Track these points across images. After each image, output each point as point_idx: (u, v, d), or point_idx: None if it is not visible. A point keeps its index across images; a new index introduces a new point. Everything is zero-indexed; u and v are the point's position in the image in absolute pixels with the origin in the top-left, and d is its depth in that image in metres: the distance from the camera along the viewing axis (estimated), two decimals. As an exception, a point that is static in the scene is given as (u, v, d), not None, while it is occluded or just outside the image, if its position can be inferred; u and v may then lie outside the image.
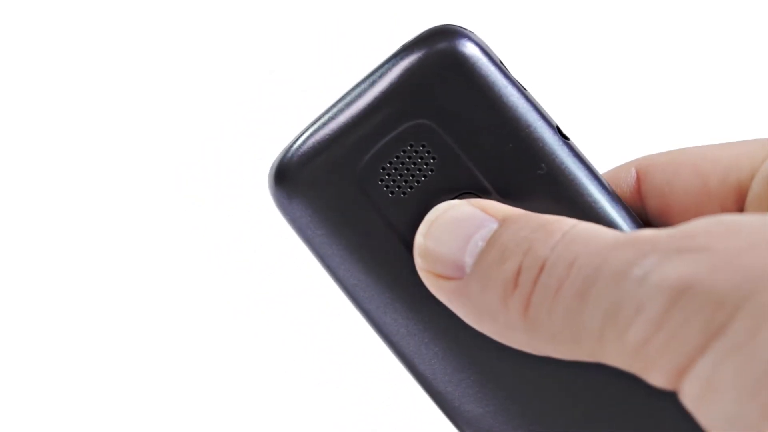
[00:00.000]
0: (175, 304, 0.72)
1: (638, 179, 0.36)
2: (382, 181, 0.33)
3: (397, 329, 0.33)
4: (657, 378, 0.27)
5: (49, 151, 0.74)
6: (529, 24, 0.75)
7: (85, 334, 0.71)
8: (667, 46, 0.75)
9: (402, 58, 0.32)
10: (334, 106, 0.33)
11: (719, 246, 0.26)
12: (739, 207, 0.34)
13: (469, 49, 0.32)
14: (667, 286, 0.26)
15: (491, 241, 0.30)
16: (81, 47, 0.75)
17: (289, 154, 0.33)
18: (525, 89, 0.33)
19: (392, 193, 0.33)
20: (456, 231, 0.31)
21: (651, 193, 0.35)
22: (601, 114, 0.74)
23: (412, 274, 0.32)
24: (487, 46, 0.33)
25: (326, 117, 0.33)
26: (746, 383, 0.25)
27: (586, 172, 0.33)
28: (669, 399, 0.27)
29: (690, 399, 0.26)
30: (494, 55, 0.33)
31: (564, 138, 0.33)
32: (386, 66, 0.32)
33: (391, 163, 0.33)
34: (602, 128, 0.73)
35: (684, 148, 0.36)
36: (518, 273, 0.29)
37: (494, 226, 0.31)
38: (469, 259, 0.30)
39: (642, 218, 0.35)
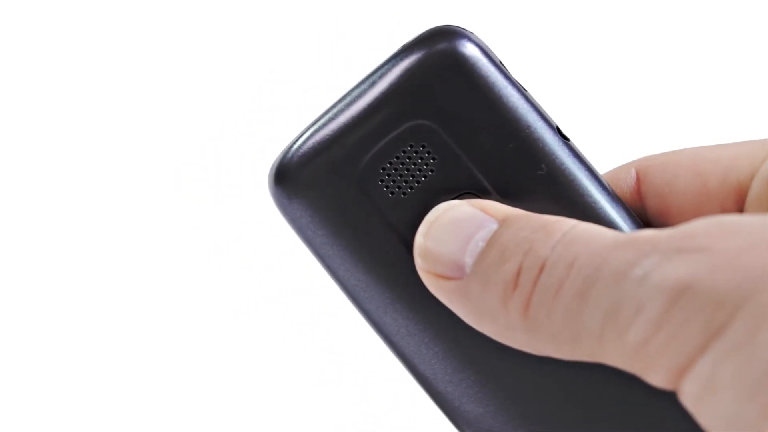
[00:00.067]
0: (175, 304, 0.72)
1: (638, 180, 0.36)
2: (382, 181, 0.33)
3: (397, 329, 0.33)
4: (657, 378, 0.27)
5: (49, 151, 0.74)
6: (529, 24, 0.75)
7: (85, 334, 0.71)
8: (667, 46, 0.75)
9: (402, 59, 0.32)
10: (334, 106, 0.33)
11: (719, 246, 0.26)
12: (739, 207, 0.34)
13: (469, 49, 0.32)
14: (667, 286, 0.26)
15: (491, 241, 0.30)
16: (81, 47, 0.75)
17: (289, 155, 0.33)
18: (525, 90, 0.33)
19: (392, 193, 0.33)
20: (456, 231, 0.31)
21: (651, 193, 0.35)
22: (601, 114, 0.74)
23: (412, 275, 0.32)
24: (487, 46, 0.33)
25: (326, 117, 0.33)
26: (746, 383, 0.25)
27: (586, 172, 0.33)
28: (669, 399, 0.27)
29: (690, 399, 0.26)
30: (494, 55, 0.33)
31: (564, 138, 0.33)
32: (386, 66, 0.32)
33: (391, 163, 0.33)
34: (602, 128, 0.73)
35: (684, 149, 0.36)
36: (518, 273, 0.29)
37: (494, 226, 0.31)
38: (469, 260, 0.30)
39: (642, 219, 0.35)
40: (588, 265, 0.28)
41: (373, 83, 0.32)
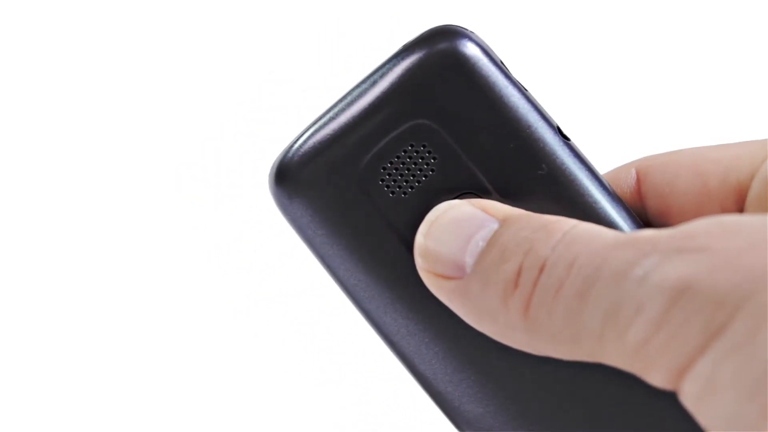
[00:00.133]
0: (175, 304, 0.72)
1: (638, 180, 0.36)
2: (382, 181, 0.33)
3: (397, 329, 0.33)
4: (657, 378, 0.27)
5: (49, 151, 0.74)
6: (529, 24, 0.75)
7: (85, 334, 0.71)
8: (667, 46, 0.75)
9: (403, 58, 0.32)
10: (334, 106, 0.33)
11: (719, 246, 0.26)
12: (739, 207, 0.34)
13: (470, 49, 0.32)
14: (667, 286, 0.26)
15: (492, 241, 0.30)
16: (81, 48, 0.75)
17: (290, 154, 0.33)
18: (526, 89, 0.33)
19: (393, 193, 0.33)
20: (456, 231, 0.31)
21: (651, 193, 0.36)
22: (601, 114, 0.74)
23: (412, 274, 0.32)
24: (487, 46, 0.33)
25: (327, 117, 0.33)
26: (746, 383, 0.25)
27: (586, 172, 0.33)
28: (669, 399, 0.27)
29: (690, 399, 0.26)
30: (495, 55, 0.33)
31: (564, 138, 0.33)
32: (387, 66, 0.32)
33: (391, 163, 0.33)
34: (602, 128, 0.73)
35: (684, 149, 0.36)
36: (519, 273, 0.29)
37: (495, 226, 0.31)
38: (469, 259, 0.30)
39: (642, 219, 0.35)
40: (588, 265, 0.28)
41: (374, 83, 0.32)
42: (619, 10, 0.76)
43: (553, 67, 0.74)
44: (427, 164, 0.33)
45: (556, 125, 0.33)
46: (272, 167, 0.33)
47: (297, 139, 0.33)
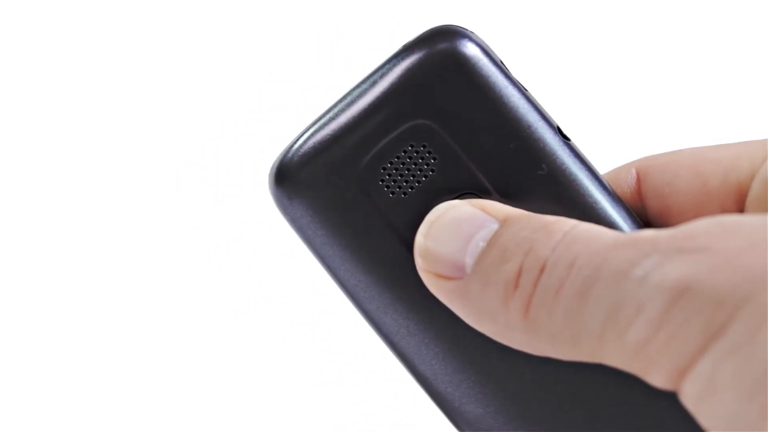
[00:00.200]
0: (175, 304, 0.72)
1: (638, 180, 0.36)
2: (382, 181, 0.33)
3: (397, 329, 0.33)
4: (657, 378, 0.27)
5: (49, 151, 0.74)
6: (529, 24, 0.75)
7: (85, 334, 0.71)
8: (667, 46, 0.75)
9: (403, 59, 0.32)
10: (334, 106, 0.33)
11: (719, 246, 0.26)
12: (739, 207, 0.34)
13: (470, 49, 0.32)
14: (667, 287, 0.26)
15: (492, 241, 0.30)
16: (81, 48, 0.75)
17: (290, 155, 0.33)
18: (526, 90, 0.33)
19: (393, 193, 0.33)
20: (456, 231, 0.31)
21: (651, 193, 0.35)
22: (601, 114, 0.74)
23: (412, 275, 0.32)
24: (487, 46, 0.33)
25: (327, 117, 0.33)
26: (746, 383, 0.25)
27: (586, 172, 0.33)
28: (669, 400, 0.27)
29: (690, 399, 0.26)
30: (495, 55, 0.33)
31: (565, 138, 0.33)
32: (387, 66, 0.32)
33: (391, 163, 0.33)
34: (602, 129, 0.73)
35: (684, 149, 0.36)
36: (519, 273, 0.29)
37: (495, 226, 0.31)
38: (469, 260, 0.30)
39: (642, 219, 0.35)
40: (588, 265, 0.28)
41: (374, 83, 0.32)
42: (619, 10, 0.76)
43: (553, 67, 0.74)
44: (427, 164, 0.33)
45: (556, 125, 0.33)
46: (272, 168, 0.33)
47: (296, 140, 0.33)
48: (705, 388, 0.25)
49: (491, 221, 0.31)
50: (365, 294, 0.33)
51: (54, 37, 0.75)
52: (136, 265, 0.73)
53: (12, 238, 0.73)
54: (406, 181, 0.33)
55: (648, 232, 0.28)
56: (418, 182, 0.33)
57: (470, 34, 0.32)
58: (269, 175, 0.33)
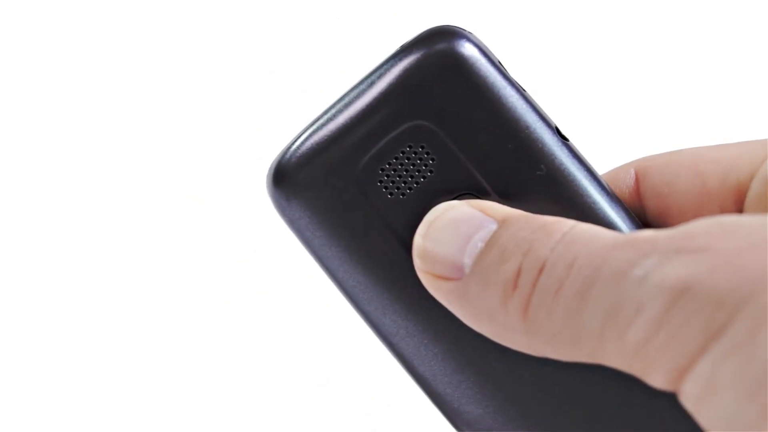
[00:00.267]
0: (175, 304, 0.72)
1: (637, 180, 0.36)
2: (381, 182, 0.33)
3: (396, 330, 0.33)
4: (657, 379, 0.27)
5: (49, 151, 0.74)
6: (529, 24, 0.75)
7: (85, 334, 0.71)
8: (667, 46, 0.75)
9: (401, 59, 0.32)
10: (332, 106, 0.33)
11: (719, 246, 0.26)
12: (739, 207, 0.34)
13: (468, 49, 0.32)
14: (667, 287, 0.26)
15: (490, 242, 0.30)
16: (81, 48, 0.75)
17: (288, 155, 0.33)
18: (524, 90, 0.33)
19: (391, 194, 0.33)
20: (455, 232, 0.31)
21: (650, 193, 0.35)
22: (601, 114, 0.74)
23: (411, 276, 0.32)
24: (486, 46, 0.33)
25: (325, 118, 0.33)
26: (746, 384, 0.25)
27: (585, 173, 0.33)
28: (668, 400, 0.27)
29: (690, 400, 0.26)
30: (493, 55, 0.33)
31: (563, 139, 0.33)
32: (385, 67, 0.32)
33: (390, 164, 0.33)
34: (602, 129, 0.73)
35: (683, 149, 0.36)
36: (518, 274, 0.29)
37: (493, 227, 0.31)
38: (468, 260, 0.30)
39: (641, 219, 0.35)
40: (588, 265, 0.28)
41: (372, 83, 0.32)
42: (619, 11, 0.75)
43: (552, 67, 0.74)
44: (426, 165, 0.33)
45: (554, 126, 0.33)
46: (270, 168, 0.33)
47: (294, 141, 0.33)
48: (705, 389, 0.25)
49: (490, 222, 0.31)
50: (364, 295, 0.33)
51: (54, 37, 0.75)
52: (136, 265, 0.73)
53: (12, 238, 0.73)
54: (405, 182, 0.33)
55: (647, 233, 0.28)
56: (417, 183, 0.33)
57: (468, 35, 0.32)
58: (267, 176, 0.33)
